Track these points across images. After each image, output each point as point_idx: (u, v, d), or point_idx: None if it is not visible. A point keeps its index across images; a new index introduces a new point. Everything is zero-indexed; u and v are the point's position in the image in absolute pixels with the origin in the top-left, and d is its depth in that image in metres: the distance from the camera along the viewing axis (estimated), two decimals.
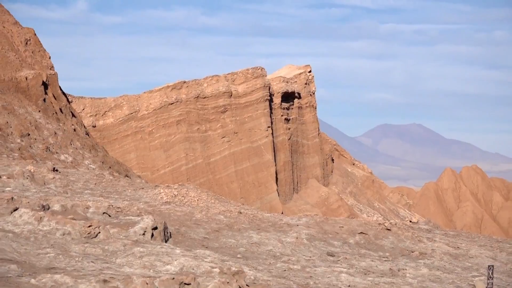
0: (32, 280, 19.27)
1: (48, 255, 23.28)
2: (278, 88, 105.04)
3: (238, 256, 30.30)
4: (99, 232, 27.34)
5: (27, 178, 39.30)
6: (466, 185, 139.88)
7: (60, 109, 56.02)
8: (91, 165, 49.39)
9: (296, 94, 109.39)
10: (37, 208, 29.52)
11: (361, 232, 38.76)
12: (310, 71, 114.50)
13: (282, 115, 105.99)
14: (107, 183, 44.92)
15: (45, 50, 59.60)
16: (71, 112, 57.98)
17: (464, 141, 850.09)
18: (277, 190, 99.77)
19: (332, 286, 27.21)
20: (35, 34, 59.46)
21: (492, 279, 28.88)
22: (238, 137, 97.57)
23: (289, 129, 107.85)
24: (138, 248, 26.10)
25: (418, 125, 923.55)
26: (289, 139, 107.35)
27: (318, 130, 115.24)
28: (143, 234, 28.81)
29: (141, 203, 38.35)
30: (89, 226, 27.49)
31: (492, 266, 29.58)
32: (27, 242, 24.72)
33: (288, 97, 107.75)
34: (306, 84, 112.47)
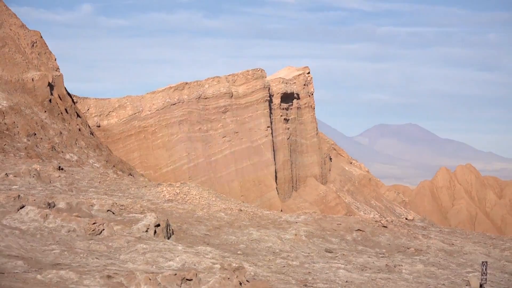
0: (38, 276, 19.83)
1: (54, 251, 23.82)
2: (278, 89, 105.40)
3: (239, 252, 30.88)
4: (103, 229, 27.92)
5: (33, 176, 39.80)
6: (460, 183, 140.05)
7: (66, 110, 56.46)
8: (95, 164, 49.85)
9: (295, 95, 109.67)
10: (43, 206, 30.08)
11: (358, 229, 39.22)
12: (308, 73, 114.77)
13: (281, 115, 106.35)
14: (111, 182, 45.35)
15: (51, 52, 60.02)
16: (76, 112, 58.52)
17: (458, 141, 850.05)
18: (276, 188, 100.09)
19: (330, 282, 27.76)
20: (41, 37, 59.82)
21: (486, 275, 29.41)
22: (238, 137, 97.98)
23: (288, 129, 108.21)
24: (141, 245, 26.70)
25: (413, 125, 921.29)
26: (288, 138, 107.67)
27: (317, 130, 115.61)
28: (146, 231, 29.41)
29: (144, 201, 38.81)
30: (94, 223, 28.07)
31: (486, 262, 30.07)
32: (33, 239, 25.25)
33: (287, 97, 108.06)
34: (304, 85, 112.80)
